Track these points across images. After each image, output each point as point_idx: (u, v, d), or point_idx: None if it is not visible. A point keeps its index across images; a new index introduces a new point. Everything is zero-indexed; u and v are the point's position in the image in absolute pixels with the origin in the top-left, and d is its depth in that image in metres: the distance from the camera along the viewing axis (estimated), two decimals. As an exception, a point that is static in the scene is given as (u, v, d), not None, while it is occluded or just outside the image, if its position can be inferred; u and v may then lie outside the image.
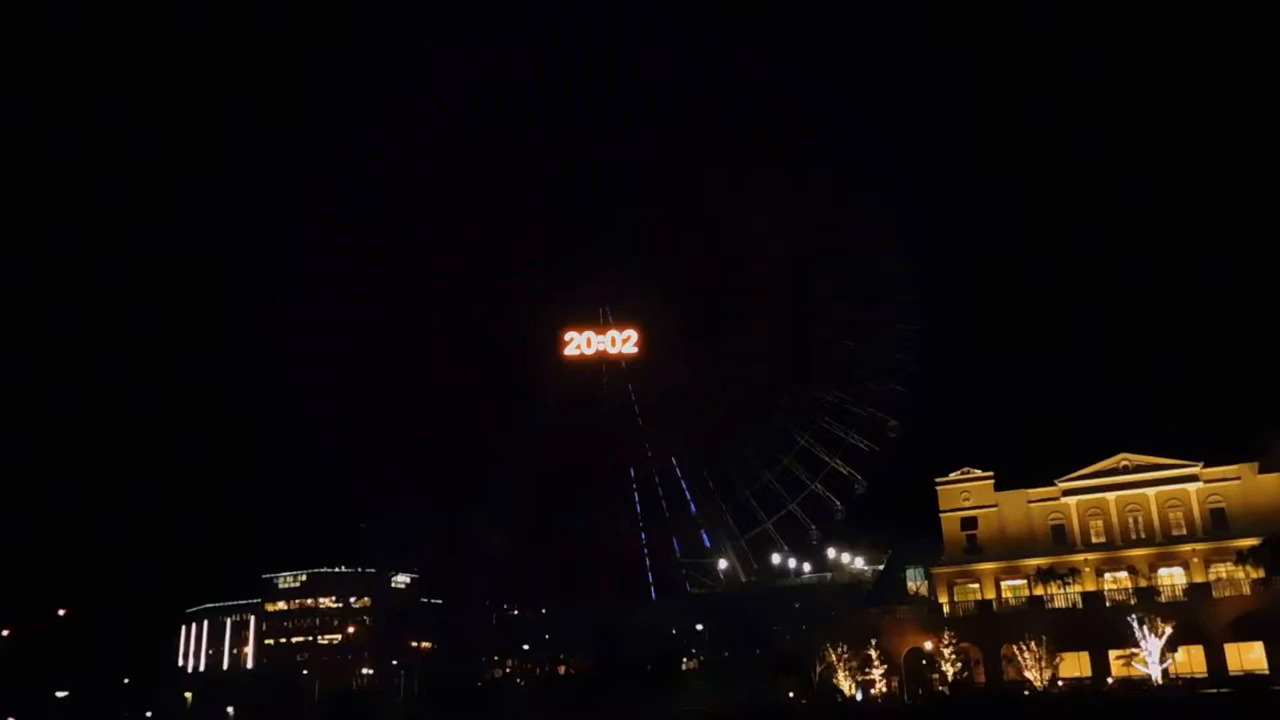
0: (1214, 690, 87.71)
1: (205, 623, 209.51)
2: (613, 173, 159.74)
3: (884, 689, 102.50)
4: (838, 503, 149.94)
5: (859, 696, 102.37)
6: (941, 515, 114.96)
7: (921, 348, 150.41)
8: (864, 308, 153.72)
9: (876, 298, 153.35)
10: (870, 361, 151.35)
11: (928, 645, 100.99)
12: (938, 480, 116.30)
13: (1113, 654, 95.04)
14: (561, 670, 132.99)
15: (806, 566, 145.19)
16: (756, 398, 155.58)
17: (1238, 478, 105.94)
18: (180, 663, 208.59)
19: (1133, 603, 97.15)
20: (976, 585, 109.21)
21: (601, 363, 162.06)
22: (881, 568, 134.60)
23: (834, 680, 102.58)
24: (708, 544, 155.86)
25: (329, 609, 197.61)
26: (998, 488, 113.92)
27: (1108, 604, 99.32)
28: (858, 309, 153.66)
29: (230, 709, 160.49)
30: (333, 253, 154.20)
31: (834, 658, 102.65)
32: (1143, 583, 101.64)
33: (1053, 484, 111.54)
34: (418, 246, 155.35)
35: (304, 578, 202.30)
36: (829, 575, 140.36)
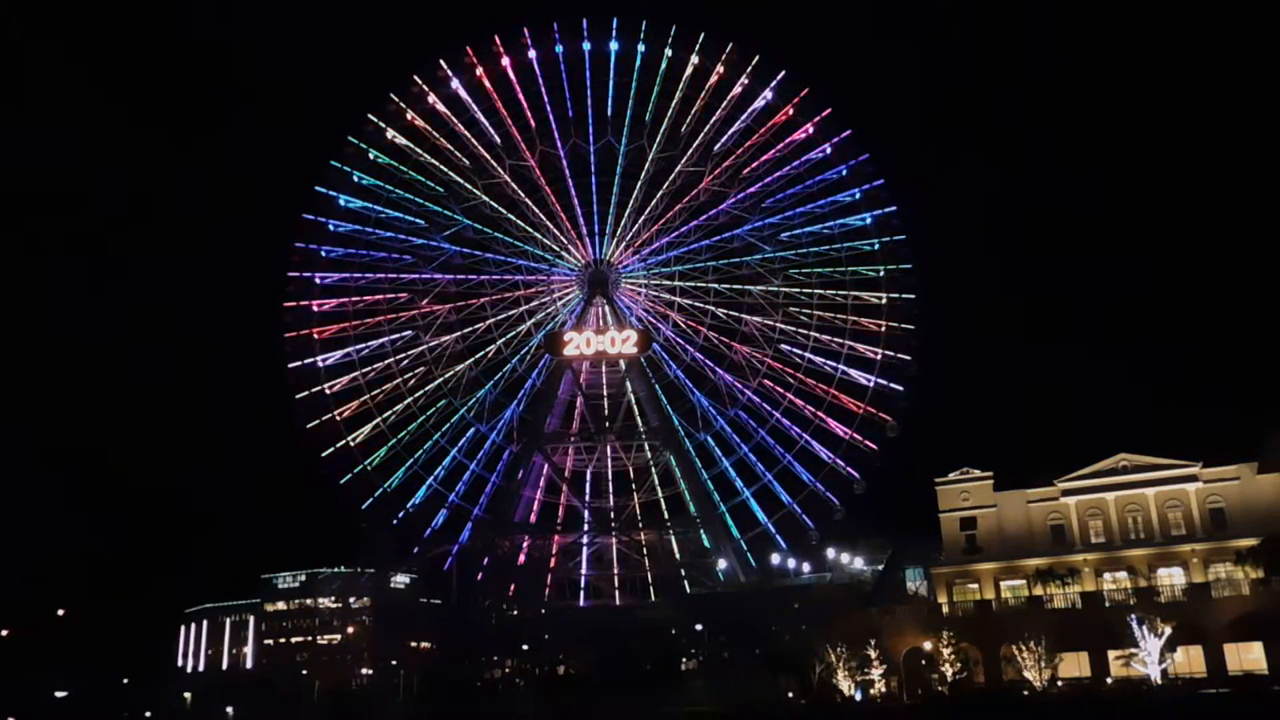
0: (1213, 690, 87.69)
1: (205, 623, 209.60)
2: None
3: (883, 689, 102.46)
4: (837, 503, 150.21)
5: (858, 696, 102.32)
6: (940, 515, 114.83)
7: (920, 348, 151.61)
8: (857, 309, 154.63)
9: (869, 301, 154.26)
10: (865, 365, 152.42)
11: (927, 645, 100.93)
12: (937, 480, 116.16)
13: (1112, 654, 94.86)
14: (561, 670, 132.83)
15: (806, 566, 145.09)
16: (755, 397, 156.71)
17: (1237, 478, 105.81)
18: (180, 663, 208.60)
19: (1132, 603, 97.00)
20: (976, 585, 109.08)
21: (601, 362, 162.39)
22: (881, 568, 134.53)
23: (833, 680, 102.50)
24: (707, 544, 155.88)
25: (329, 609, 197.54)
26: (997, 488, 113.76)
27: (1107, 604, 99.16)
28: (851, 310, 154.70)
29: (230, 709, 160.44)
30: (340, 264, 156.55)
31: (833, 658, 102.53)
32: (1142, 583, 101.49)
33: (1052, 484, 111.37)
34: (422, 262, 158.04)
35: (304, 578, 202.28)
36: (828, 575, 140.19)
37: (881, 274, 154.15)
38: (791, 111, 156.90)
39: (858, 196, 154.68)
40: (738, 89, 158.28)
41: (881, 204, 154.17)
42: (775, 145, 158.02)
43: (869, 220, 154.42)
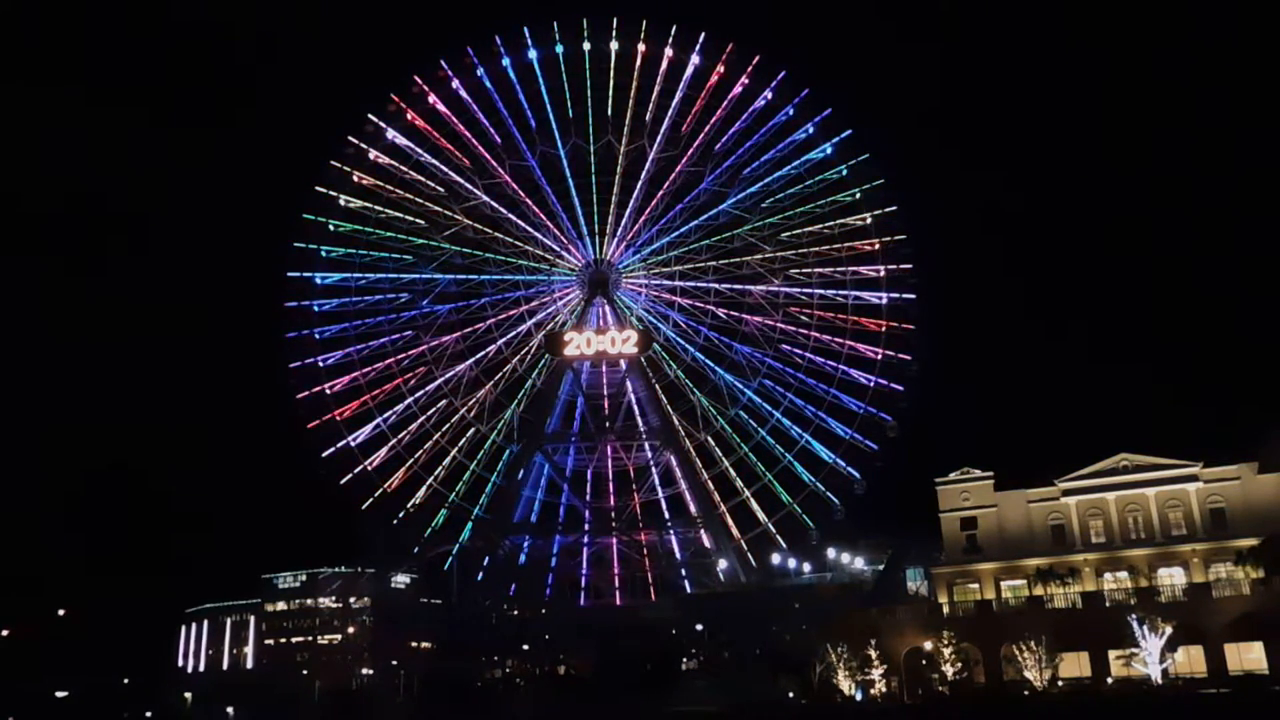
0: (1214, 690, 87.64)
1: (205, 623, 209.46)
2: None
3: (883, 689, 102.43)
4: (837, 502, 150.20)
5: (858, 696, 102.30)
6: (941, 515, 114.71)
7: (920, 348, 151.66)
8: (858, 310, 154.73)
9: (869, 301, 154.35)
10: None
11: (927, 645, 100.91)
12: (937, 480, 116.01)
13: (1112, 654, 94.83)
14: (561, 670, 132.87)
15: (806, 566, 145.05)
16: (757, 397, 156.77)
17: (1237, 478, 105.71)
18: (180, 663, 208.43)
19: (1132, 603, 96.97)
20: (976, 585, 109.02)
21: (601, 362, 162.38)
22: (881, 568, 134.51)
23: (833, 680, 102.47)
24: (708, 544, 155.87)
25: (329, 609, 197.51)
26: (997, 488, 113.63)
27: (1107, 604, 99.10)
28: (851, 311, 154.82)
29: (230, 709, 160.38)
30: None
31: (833, 657, 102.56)
32: (1142, 583, 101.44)
33: (1052, 484, 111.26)
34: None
35: (304, 578, 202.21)
36: (829, 575, 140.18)
37: (882, 274, 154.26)
38: (792, 111, 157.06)
39: (858, 196, 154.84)
40: (738, 89, 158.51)
41: (881, 204, 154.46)
42: (775, 145, 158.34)
43: (869, 220, 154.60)
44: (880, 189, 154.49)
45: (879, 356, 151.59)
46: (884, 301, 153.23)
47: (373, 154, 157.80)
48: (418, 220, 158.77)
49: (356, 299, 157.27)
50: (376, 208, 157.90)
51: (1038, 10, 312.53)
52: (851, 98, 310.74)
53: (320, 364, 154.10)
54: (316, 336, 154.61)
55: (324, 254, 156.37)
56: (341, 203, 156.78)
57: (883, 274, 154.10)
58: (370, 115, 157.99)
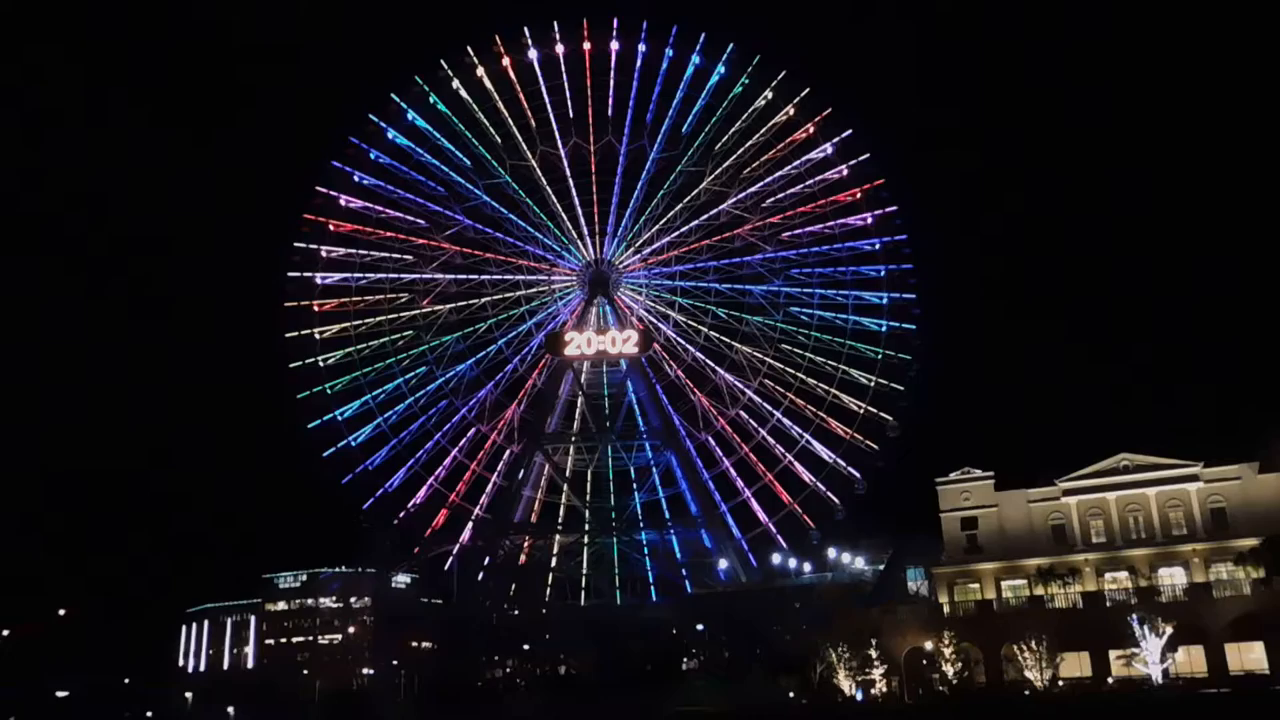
0: (1214, 690, 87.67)
1: (205, 623, 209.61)
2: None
3: (884, 689, 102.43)
4: (838, 502, 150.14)
5: (858, 696, 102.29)
6: (941, 515, 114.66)
7: (920, 348, 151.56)
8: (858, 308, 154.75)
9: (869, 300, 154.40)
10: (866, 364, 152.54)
11: (928, 645, 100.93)
12: (938, 480, 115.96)
13: (1113, 654, 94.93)
14: (561, 670, 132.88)
15: (806, 566, 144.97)
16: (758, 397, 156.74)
17: (1238, 478, 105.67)
18: (180, 663, 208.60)
19: (1133, 603, 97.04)
20: (977, 585, 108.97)
21: (602, 362, 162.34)
22: (881, 568, 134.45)
23: (834, 680, 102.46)
24: (708, 544, 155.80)
25: (329, 609, 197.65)
26: (998, 488, 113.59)
27: (1108, 604, 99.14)
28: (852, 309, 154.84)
29: (230, 709, 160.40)
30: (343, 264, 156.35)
31: (834, 657, 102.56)
32: (1143, 583, 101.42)
33: (1053, 484, 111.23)
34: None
35: (304, 578, 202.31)
36: (829, 575, 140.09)
37: (882, 274, 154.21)
38: (792, 111, 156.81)
39: (859, 196, 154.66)
40: (738, 89, 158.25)
41: (882, 204, 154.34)
42: (776, 145, 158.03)
43: (870, 220, 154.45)
44: (881, 188, 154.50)
45: (879, 356, 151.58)
46: (884, 301, 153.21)
47: (373, 154, 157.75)
48: (418, 220, 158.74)
49: (357, 299, 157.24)
50: (377, 208, 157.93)
51: (1040, 7, 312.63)
52: (853, 97, 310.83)
53: (320, 364, 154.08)
54: (316, 336, 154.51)
55: (325, 254, 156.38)
56: (342, 203, 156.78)
57: (883, 274, 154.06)
58: (371, 115, 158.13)
